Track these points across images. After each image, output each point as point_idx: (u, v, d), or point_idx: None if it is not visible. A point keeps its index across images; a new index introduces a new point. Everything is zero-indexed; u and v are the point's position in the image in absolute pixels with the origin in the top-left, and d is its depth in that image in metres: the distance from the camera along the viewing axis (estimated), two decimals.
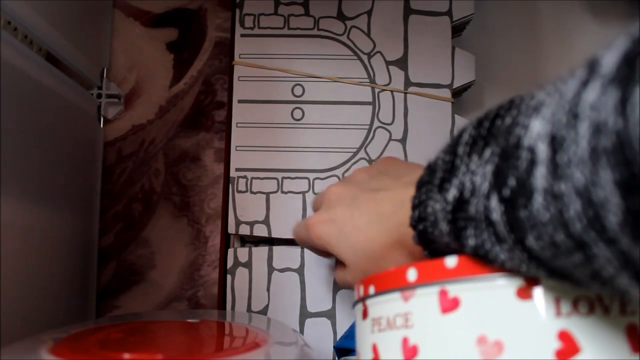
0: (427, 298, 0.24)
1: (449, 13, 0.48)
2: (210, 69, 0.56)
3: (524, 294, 0.22)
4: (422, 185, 0.26)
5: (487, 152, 0.21)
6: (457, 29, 0.51)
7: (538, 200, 0.17)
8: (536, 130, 0.18)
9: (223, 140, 0.54)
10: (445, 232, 0.24)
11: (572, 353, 0.20)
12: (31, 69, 0.40)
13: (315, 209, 0.38)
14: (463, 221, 0.22)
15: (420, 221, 0.26)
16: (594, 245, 0.16)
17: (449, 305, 0.23)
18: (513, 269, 0.21)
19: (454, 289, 0.23)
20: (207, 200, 0.54)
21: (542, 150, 0.17)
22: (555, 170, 0.16)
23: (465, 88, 0.49)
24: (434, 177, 0.25)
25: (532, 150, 0.18)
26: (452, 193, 0.23)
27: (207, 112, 0.55)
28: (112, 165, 0.54)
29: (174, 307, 0.52)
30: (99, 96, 0.54)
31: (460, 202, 0.22)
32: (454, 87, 0.48)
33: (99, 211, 0.53)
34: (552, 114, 0.17)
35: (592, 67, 0.16)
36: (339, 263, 0.37)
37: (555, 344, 0.21)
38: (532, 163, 0.18)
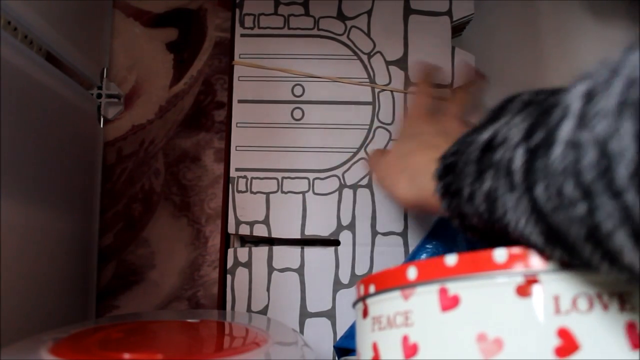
0: (427, 296, 0.24)
1: (449, 13, 0.48)
2: (210, 69, 0.56)
3: (524, 291, 0.22)
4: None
5: (530, 111, 0.23)
6: (457, 29, 0.51)
7: (557, 151, 0.18)
8: (578, 91, 0.19)
9: (223, 140, 0.54)
10: (469, 173, 0.25)
11: (571, 350, 0.20)
12: (31, 69, 0.40)
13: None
14: (487, 161, 0.24)
15: (452, 155, 0.28)
16: (600, 196, 0.17)
17: (449, 303, 0.23)
18: (510, 223, 0.22)
19: (454, 287, 0.23)
20: (207, 200, 0.54)
21: (576, 105, 0.18)
22: (582, 120, 0.17)
23: None
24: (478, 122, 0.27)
25: (567, 106, 0.19)
26: (485, 135, 0.25)
27: (207, 112, 0.55)
28: (112, 165, 0.54)
29: (174, 307, 0.52)
30: (99, 96, 0.54)
31: (489, 146, 0.24)
32: (454, 87, 0.48)
33: (99, 211, 0.53)
34: (594, 75, 0.18)
35: None
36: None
37: (555, 341, 0.21)
38: (563, 117, 0.19)
